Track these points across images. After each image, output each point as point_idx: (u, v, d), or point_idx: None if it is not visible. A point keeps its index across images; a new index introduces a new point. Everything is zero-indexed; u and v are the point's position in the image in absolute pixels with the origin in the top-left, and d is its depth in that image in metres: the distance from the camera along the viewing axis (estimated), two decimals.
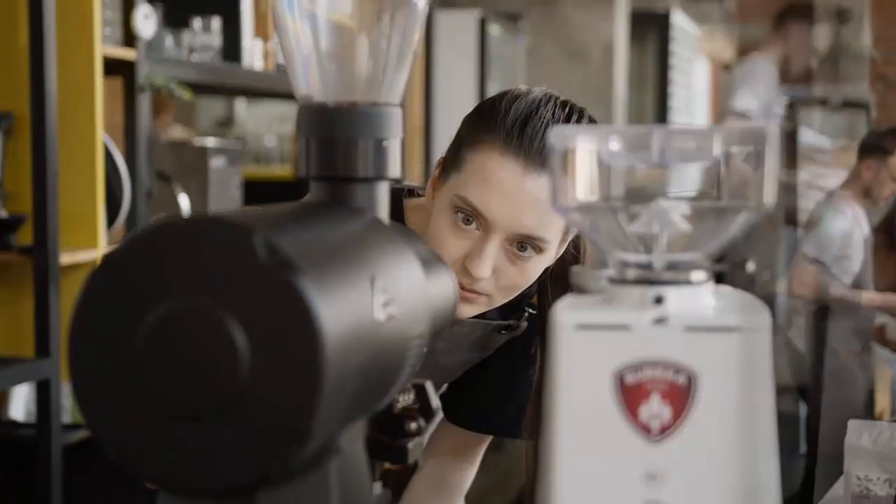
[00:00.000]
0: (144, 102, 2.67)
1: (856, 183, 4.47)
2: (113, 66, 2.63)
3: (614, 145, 0.71)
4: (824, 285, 4.26)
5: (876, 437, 1.99)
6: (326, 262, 0.65)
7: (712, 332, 0.67)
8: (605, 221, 0.72)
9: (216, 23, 3.01)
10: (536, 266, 1.29)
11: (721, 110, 4.42)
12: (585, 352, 0.69)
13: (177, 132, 3.97)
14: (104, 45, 2.54)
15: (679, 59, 7.62)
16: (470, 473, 1.56)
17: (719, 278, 0.74)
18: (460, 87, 4.72)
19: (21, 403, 2.68)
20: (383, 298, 0.70)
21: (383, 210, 0.82)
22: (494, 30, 4.96)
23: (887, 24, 9.60)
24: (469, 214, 1.26)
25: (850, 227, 4.22)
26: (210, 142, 3.09)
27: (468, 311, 1.30)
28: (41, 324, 2.32)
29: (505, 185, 1.23)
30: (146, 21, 2.63)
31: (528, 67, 5.37)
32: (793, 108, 4.58)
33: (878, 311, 4.12)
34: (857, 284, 4.24)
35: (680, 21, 7.59)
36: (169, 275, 0.62)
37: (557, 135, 0.71)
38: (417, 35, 0.84)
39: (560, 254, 1.35)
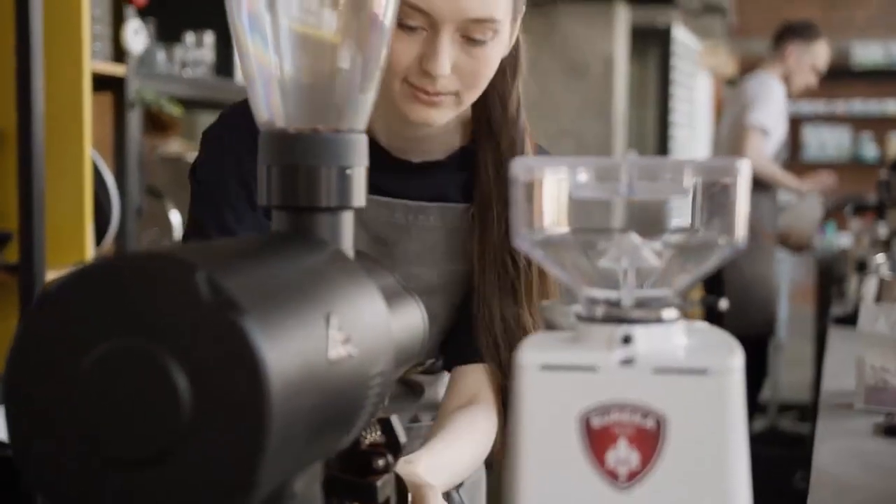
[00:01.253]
0: (134, 118, 2.64)
1: (776, 66, 4.51)
2: (103, 82, 2.60)
3: (581, 177, 0.68)
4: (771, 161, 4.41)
5: (894, 322, 1.86)
6: (276, 300, 0.62)
7: (682, 374, 0.64)
8: (571, 256, 0.69)
9: (209, 38, 2.98)
10: (494, 51, 1.23)
11: (734, 123, 4.40)
12: (550, 394, 0.66)
13: (175, 146, 3.95)
14: (94, 61, 2.52)
15: (680, 74, 7.60)
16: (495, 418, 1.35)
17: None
18: None
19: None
20: (340, 336, 0.66)
21: (347, 240, 0.79)
22: None
23: None
24: (411, 17, 1.20)
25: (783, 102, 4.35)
26: None
27: (438, 115, 1.25)
28: None
29: None
30: (136, 36, 2.60)
31: (527, 82, 5.31)
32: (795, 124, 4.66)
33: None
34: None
35: (681, 36, 7.57)
36: (109, 313, 0.59)
37: (521, 165, 0.68)
38: (383, 55, 0.81)
39: (515, 35, 1.30)
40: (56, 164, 2.43)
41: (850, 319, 2.69)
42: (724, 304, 0.68)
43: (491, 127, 1.35)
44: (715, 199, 0.67)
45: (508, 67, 1.32)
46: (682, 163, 0.67)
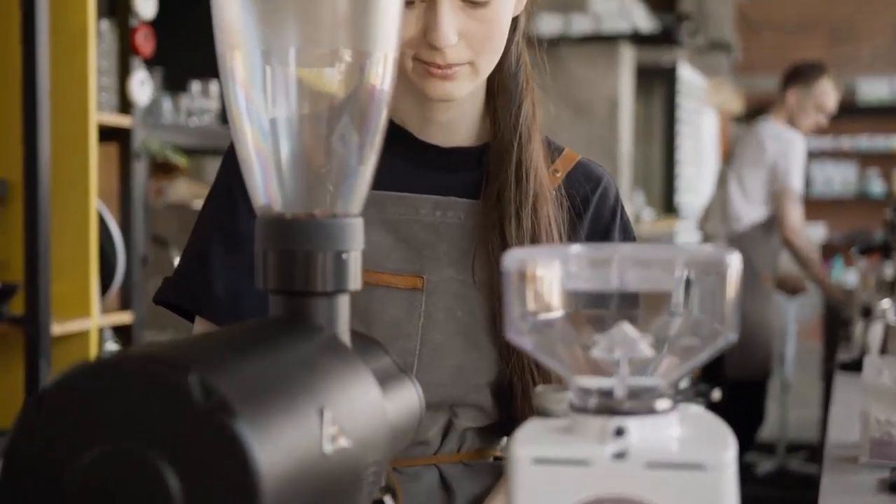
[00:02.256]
0: (140, 169, 2.66)
1: (781, 110, 4.53)
2: (109, 133, 2.62)
3: (573, 268, 0.68)
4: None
5: None
6: (269, 399, 0.62)
7: (676, 468, 0.64)
8: (563, 346, 0.69)
9: (215, 87, 3.00)
10: (501, 10, 1.16)
11: (767, 180, 4.41)
12: (544, 487, 0.66)
13: (182, 189, 3.96)
14: (100, 113, 2.53)
15: (686, 111, 7.62)
16: None
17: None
18: None
19: None
20: (334, 430, 0.67)
21: (343, 324, 0.79)
22: None
23: None
24: None
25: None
26: None
27: (455, 88, 1.17)
28: None
29: None
30: (142, 88, 2.62)
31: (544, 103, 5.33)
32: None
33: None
34: None
35: (687, 74, 7.60)
36: (102, 416, 0.59)
37: (512, 258, 0.68)
38: (378, 140, 0.82)
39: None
40: (62, 216, 2.44)
41: (857, 366, 2.69)
42: (716, 394, 0.68)
43: (493, 96, 1.27)
44: (706, 289, 0.67)
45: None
46: (673, 254, 0.67)
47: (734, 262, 0.66)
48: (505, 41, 1.19)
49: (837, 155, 10.15)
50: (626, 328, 0.69)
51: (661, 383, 0.69)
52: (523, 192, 1.22)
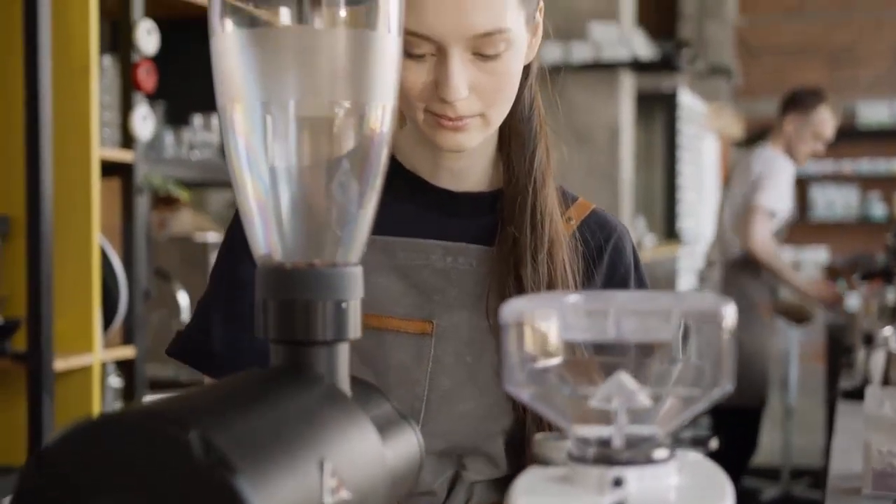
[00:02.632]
0: (142, 203, 2.67)
1: (779, 137, 4.52)
2: (111, 167, 2.63)
3: (570, 319, 0.69)
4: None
5: None
6: (269, 453, 0.62)
7: None
8: (561, 396, 0.70)
9: (216, 120, 3.02)
10: (512, 62, 1.15)
11: (743, 203, 4.40)
12: None
13: (185, 220, 3.98)
14: (102, 148, 2.55)
15: (687, 137, 7.64)
16: None
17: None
18: None
19: None
20: (333, 482, 0.67)
21: (342, 372, 0.80)
22: None
23: None
24: (416, 45, 1.12)
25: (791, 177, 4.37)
26: (211, 237, 3.09)
27: (466, 139, 1.17)
28: (34, 432, 2.30)
29: None
30: (144, 123, 2.64)
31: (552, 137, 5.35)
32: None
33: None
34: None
35: (687, 100, 7.63)
36: (103, 472, 0.60)
37: (510, 309, 0.69)
38: (377, 188, 0.83)
39: (538, 37, 1.22)
40: (64, 251, 2.45)
41: (859, 394, 2.68)
42: (714, 444, 0.68)
43: (506, 142, 1.27)
44: (703, 339, 0.68)
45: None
46: (670, 305, 0.68)
47: (729, 313, 0.67)
48: (516, 91, 1.19)
49: (839, 178, 10.17)
50: (624, 378, 0.69)
51: (659, 432, 0.69)
52: (538, 238, 1.22)
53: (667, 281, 7.03)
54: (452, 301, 1.23)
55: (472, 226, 1.27)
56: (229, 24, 0.78)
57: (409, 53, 1.13)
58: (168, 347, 1.29)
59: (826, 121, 4.51)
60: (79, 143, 2.47)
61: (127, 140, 2.66)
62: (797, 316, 4.93)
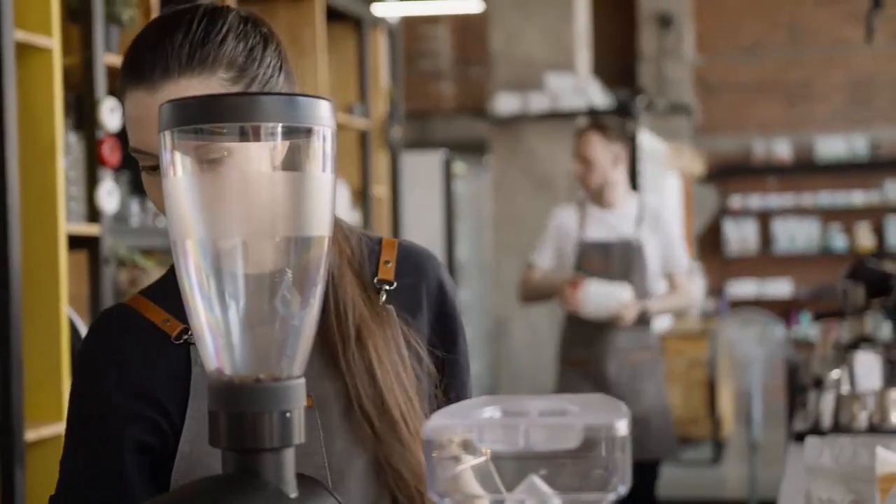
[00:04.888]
0: (108, 274, 2.75)
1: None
2: (78, 241, 2.71)
3: (485, 433, 0.78)
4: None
5: (838, 455, 1.94)
6: None
7: None
8: (478, 500, 0.79)
9: None
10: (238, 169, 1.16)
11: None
12: None
13: (156, 277, 4.03)
14: (69, 222, 2.63)
15: (648, 177, 7.76)
16: None
17: None
18: (428, 224, 4.82)
19: None
20: None
21: (289, 475, 0.88)
22: (459, 167, 5.08)
23: (710, 29, 9.80)
24: (144, 159, 1.18)
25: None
26: None
27: None
28: None
29: (142, 113, 1.17)
30: (109, 197, 2.72)
31: (495, 199, 5.50)
32: None
33: None
34: None
35: (647, 141, 7.76)
36: None
37: (434, 427, 0.78)
38: (316, 308, 0.91)
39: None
40: (33, 323, 2.52)
41: (812, 434, 2.76)
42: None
43: None
44: (601, 448, 0.77)
45: None
46: (572, 420, 0.77)
47: (622, 428, 0.76)
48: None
49: (800, 212, 10.34)
50: (536, 481, 0.78)
51: None
52: (345, 330, 1.26)
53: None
54: (317, 373, 1.27)
55: None
56: (179, 169, 0.87)
57: (144, 168, 1.19)
58: None
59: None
60: (46, 219, 2.55)
61: (93, 214, 2.74)
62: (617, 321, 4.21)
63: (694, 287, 4.16)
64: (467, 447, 0.78)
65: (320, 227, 0.89)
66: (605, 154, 3.94)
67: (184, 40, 1.17)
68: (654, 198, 4.22)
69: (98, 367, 1.27)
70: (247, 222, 0.87)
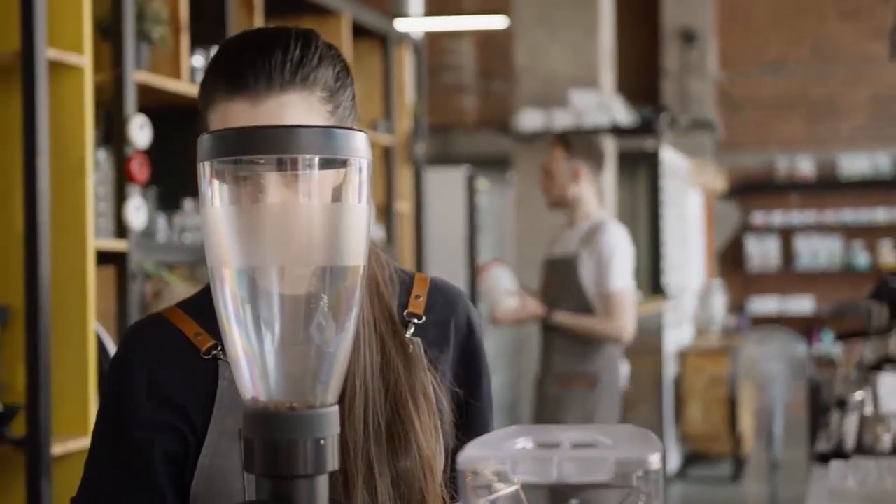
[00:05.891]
0: (136, 290, 2.77)
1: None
2: (106, 256, 2.74)
3: (518, 465, 0.79)
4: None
5: (863, 479, 1.94)
6: None
7: None
8: None
9: None
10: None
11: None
12: None
13: (180, 290, 4.06)
14: (97, 238, 2.65)
15: (670, 193, 7.77)
16: None
17: None
18: (451, 240, 4.83)
19: None
20: None
21: (322, 501, 0.89)
22: (483, 184, 5.09)
23: (733, 46, 9.77)
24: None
25: None
26: None
27: None
28: None
29: (238, 125, 1.18)
30: (137, 213, 2.75)
31: (518, 215, 5.51)
32: None
33: None
34: None
35: (670, 157, 7.76)
36: None
37: (467, 458, 0.79)
38: (350, 335, 0.93)
39: None
40: (61, 339, 2.55)
41: (835, 455, 2.75)
42: None
43: None
44: (634, 483, 0.78)
45: None
46: (604, 454, 0.78)
47: (654, 461, 0.77)
48: None
49: (822, 228, 10.31)
50: None
51: None
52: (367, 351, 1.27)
53: (653, 337, 7.13)
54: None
55: None
56: (217, 199, 0.89)
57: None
58: None
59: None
60: (75, 235, 2.57)
61: (121, 230, 2.77)
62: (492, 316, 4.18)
63: (626, 317, 3.84)
64: (500, 478, 0.79)
65: (356, 257, 0.90)
66: (563, 168, 3.94)
67: (284, 58, 1.20)
68: (611, 219, 4.02)
69: (131, 374, 1.28)
70: (283, 252, 0.88)
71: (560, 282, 3.97)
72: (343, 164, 0.89)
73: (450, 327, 1.36)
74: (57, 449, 2.48)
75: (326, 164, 0.89)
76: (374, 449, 1.25)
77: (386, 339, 1.29)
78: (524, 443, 0.81)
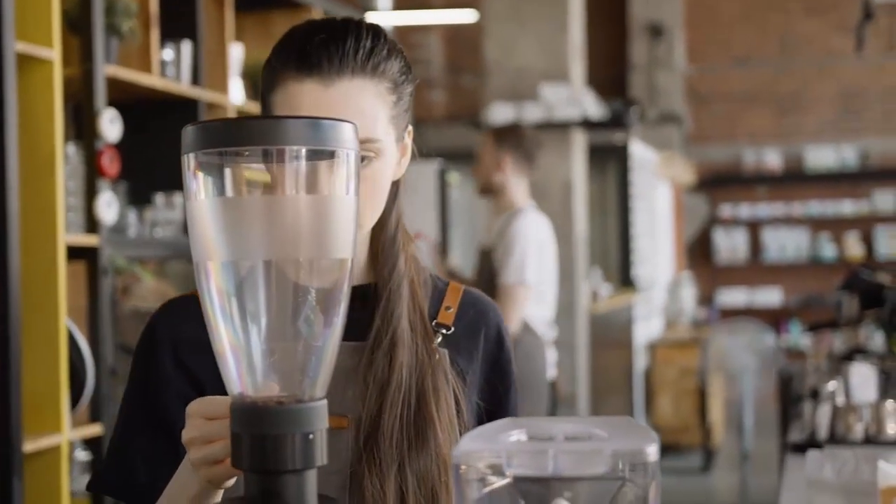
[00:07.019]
0: (107, 285, 2.74)
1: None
2: (76, 251, 2.71)
3: (513, 460, 0.78)
4: None
5: (840, 468, 1.95)
6: None
7: None
8: None
9: (178, 198, 3.11)
10: (380, 173, 1.22)
11: None
12: None
13: (150, 286, 4.02)
14: (68, 233, 2.62)
15: (639, 186, 7.80)
16: None
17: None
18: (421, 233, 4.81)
19: None
20: None
21: (310, 496, 0.88)
22: (454, 178, 5.08)
23: (701, 40, 9.82)
24: None
25: None
26: None
27: None
28: None
29: (308, 105, 1.18)
30: (108, 208, 2.72)
31: (489, 210, 5.50)
32: None
33: None
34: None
35: (639, 150, 7.79)
36: None
37: (462, 452, 0.78)
38: (338, 328, 0.92)
39: (407, 156, 1.29)
40: (32, 335, 2.52)
41: (808, 446, 2.76)
42: None
43: (378, 252, 1.31)
44: (629, 475, 0.77)
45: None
46: (599, 448, 0.77)
47: (651, 453, 0.76)
48: (385, 201, 1.26)
49: (790, 221, 10.37)
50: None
51: None
52: (381, 343, 1.26)
53: (623, 329, 7.16)
54: (358, 395, 1.26)
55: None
56: (202, 191, 0.87)
57: None
58: (89, 484, 1.31)
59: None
60: (45, 230, 2.54)
61: (91, 224, 2.74)
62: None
63: (511, 314, 3.76)
64: (495, 471, 0.79)
65: (343, 250, 0.89)
66: (490, 157, 4.01)
67: (357, 45, 1.20)
68: (529, 210, 4.00)
69: (156, 345, 1.28)
70: (269, 244, 0.87)
71: (479, 271, 4.02)
72: (330, 155, 0.88)
73: (479, 339, 1.35)
74: (28, 446, 2.45)
75: (313, 155, 0.88)
76: (405, 442, 1.24)
77: (418, 337, 1.28)
78: (518, 435, 0.81)
